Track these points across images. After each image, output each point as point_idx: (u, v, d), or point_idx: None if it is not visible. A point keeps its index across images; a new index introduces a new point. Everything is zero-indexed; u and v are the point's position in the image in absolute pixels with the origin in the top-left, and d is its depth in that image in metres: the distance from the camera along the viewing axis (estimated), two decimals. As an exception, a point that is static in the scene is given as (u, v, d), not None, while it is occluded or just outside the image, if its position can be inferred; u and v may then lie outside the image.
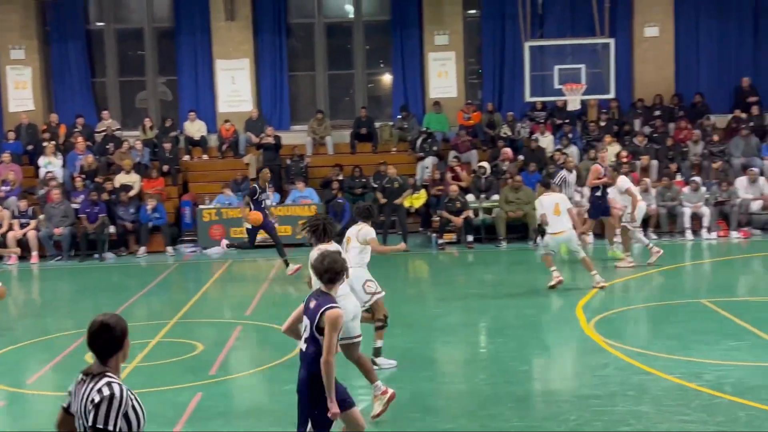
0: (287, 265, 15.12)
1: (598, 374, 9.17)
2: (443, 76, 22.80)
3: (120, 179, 20.19)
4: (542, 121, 21.97)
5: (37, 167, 21.00)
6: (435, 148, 21.33)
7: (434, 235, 19.05)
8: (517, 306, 12.61)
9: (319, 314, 5.79)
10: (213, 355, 10.43)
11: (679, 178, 19.69)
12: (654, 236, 17.44)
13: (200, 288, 15.28)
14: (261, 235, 15.43)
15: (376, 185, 20.01)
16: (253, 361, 10.66)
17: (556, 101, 21.31)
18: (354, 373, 7.98)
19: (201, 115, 22.57)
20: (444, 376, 9.72)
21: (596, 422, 7.68)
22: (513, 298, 13.26)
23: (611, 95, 20.38)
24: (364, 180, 20.49)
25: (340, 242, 8.73)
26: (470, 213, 18.84)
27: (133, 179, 20.23)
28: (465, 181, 20.00)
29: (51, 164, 20.68)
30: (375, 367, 8.70)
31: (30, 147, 21.58)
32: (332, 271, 5.92)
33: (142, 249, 19.10)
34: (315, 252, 7.40)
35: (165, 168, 21.10)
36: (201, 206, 19.76)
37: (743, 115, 21.51)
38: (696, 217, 18.72)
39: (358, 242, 9.34)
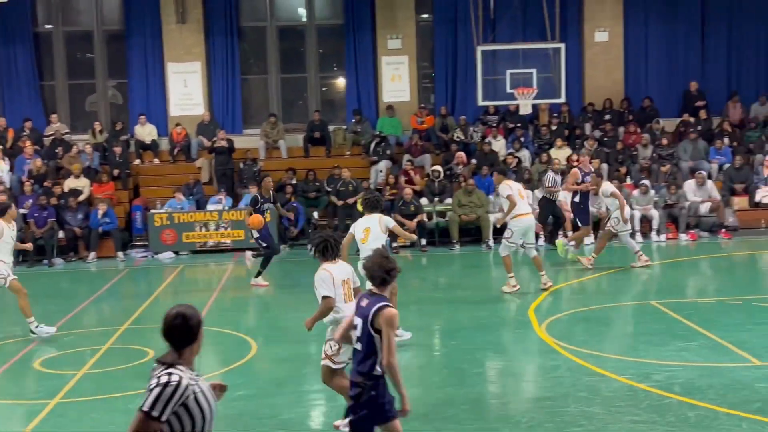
0: (258, 275, 14.92)
1: (550, 376, 9.25)
2: (396, 80, 22.85)
3: (69, 184, 19.91)
4: (495, 125, 22.15)
5: (-16, 171, 20.64)
6: (388, 152, 21.37)
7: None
8: (471, 309, 12.66)
9: (372, 312, 5.73)
10: (164, 361, 10.29)
11: (628, 181, 19.98)
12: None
13: (152, 293, 15.11)
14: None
15: (329, 189, 19.99)
16: (205, 367, 10.55)
17: (509, 105, 21.50)
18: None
19: (152, 119, 22.34)
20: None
21: (548, 423, 7.74)
22: (466, 300, 13.31)
23: (562, 99, 20.61)
24: (317, 184, 20.44)
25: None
26: (424, 216, 18.89)
27: (82, 184, 19.96)
28: (418, 184, 20.06)
29: (-2, 168, 20.34)
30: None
31: (-23, 151, 21.20)
32: (384, 272, 5.86)
33: (92, 254, 18.84)
34: (321, 272, 7.34)
35: (115, 172, 20.86)
36: (152, 211, 19.56)
37: (691, 119, 21.90)
38: (645, 220, 19.00)
39: (381, 231, 9.67)
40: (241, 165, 21.04)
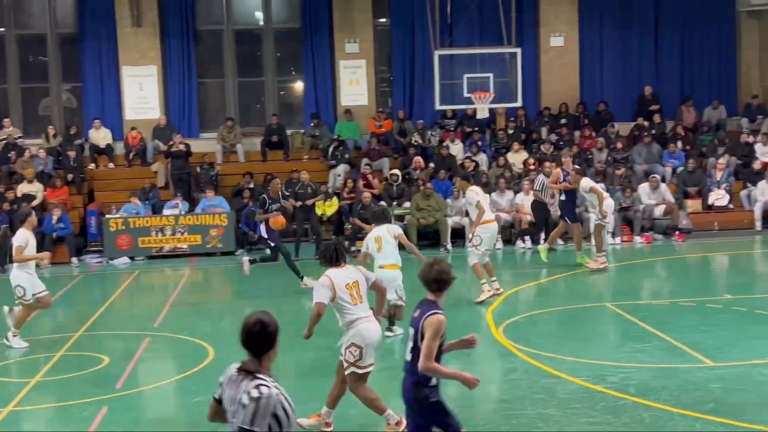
0: (253, 262, 14.77)
1: (507, 378, 9.31)
2: (354, 83, 22.84)
3: (22, 188, 19.61)
4: (452, 129, 22.25)
5: (-66, 176, 20.25)
6: (347, 156, 21.36)
7: (347, 242, 19.01)
8: (429, 312, 12.65)
9: (422, 321, 5.73)
10: (120, 368, 10.20)
11: (584, 184, 20.12)
12: (561, 242, 17.74)
13: (107, 299, 14.93)
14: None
15: (288, 192, 19.89)
16: (162, 373, 10.47)
17: (466, 109, 21.58)
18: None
19: (107, 123, 22.10)
20: (356, 384, 9.68)
21: (505, 426, 7.79)
22: (424, 304, 13.30)
23: (519, 104, 20.71)
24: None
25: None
26: (382, 220, 18.88)
27: (35, 188, 19.67)
28: (377, 188, 20.08)
29: (-51, 173, 19.98)
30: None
31: (-74, 155, 20.80)
32: (441, 280, 5.82)
33: (46, 260, 18.54)
34: (321, 278, 7.33)
35: (69, 177, 20.59)
36: (107, 216, 19.32)
37: (645, 123, 22.17)
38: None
39: (391, 238, 10.30)
40: (198, 169, 20.88)
